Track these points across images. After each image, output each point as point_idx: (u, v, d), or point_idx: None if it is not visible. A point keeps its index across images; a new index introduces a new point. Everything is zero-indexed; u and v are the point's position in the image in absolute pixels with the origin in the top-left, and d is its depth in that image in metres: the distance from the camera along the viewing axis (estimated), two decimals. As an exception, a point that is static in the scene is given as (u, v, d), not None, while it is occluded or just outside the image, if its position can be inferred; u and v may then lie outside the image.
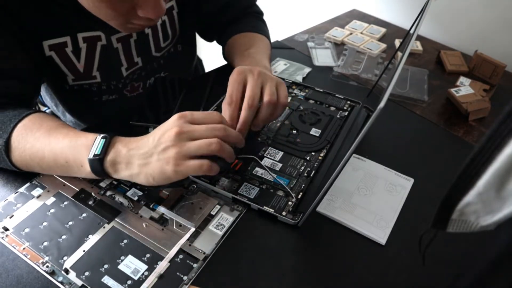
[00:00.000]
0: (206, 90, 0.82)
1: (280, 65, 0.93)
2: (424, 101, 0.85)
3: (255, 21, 0.90)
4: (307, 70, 0.92)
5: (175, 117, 0.55)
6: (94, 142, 0.55)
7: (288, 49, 1.01)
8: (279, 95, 0.64)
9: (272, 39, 1.04)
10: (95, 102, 0.78)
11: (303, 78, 0.90)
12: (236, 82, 0.62)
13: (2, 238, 0.54)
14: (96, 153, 0.54)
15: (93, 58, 0.71)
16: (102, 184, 0.62)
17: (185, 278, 0.52)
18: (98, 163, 0.54)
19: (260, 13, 0.93)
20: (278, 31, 1.13)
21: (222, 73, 0.92)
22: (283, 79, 0.85)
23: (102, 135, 0.56)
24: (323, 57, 0.98)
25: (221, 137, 0.55)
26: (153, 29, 0.77)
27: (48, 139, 0.57)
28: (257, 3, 0.94)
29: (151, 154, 0.53)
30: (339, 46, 1.03)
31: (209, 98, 0.80)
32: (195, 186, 0.63)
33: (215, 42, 0.95)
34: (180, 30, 0.83)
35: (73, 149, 0.56)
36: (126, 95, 0.80)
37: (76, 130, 0.59)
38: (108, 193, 0.61)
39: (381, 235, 0.59)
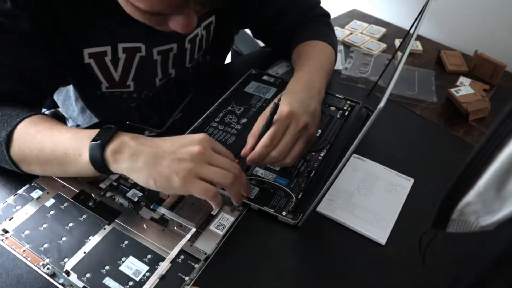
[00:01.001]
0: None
1: (283, 67, 0.92)
2: (434, 103, 0.85)
3: (318, 26, 0.85)
4: None
5: (203, 136, 0.54)
6: (98, 132, 0.54)
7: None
8: (296, 150, 0.61)
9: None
10: (123, 108, 0.78)
11: None
12: (282, 126, 0.59)
13: (2, 240, 0.54)
14: (98, 138, 0.52)
15: (130, 69, 0.72)
16: (102, 185, 0.62)
17: (186, 278, 0.52)
18: (98, 149, 0.51)
19: (325, 15, 0.89)
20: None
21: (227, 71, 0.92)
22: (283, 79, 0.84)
23: (107, 126, 0.54)
24: None
25: (235, 176, 0.54)
26: (192, 44, 0.77)
27: (51, 132, 0.56)
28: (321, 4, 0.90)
29: (163, 157, 0.51)
30: (347, 48, 1.03)
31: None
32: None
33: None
34: (212, 43, 0.83)
35: (74, 140, 0.54)
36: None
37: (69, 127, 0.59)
38: (108, 194, 0.61)
39: (381, 235, 0.59)
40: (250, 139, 0.60)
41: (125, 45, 0.69)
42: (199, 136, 0.54)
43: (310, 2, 0.87)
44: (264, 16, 0.84)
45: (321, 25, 0.86)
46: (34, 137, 0.56)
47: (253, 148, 0.59)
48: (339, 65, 0.95)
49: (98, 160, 0.52)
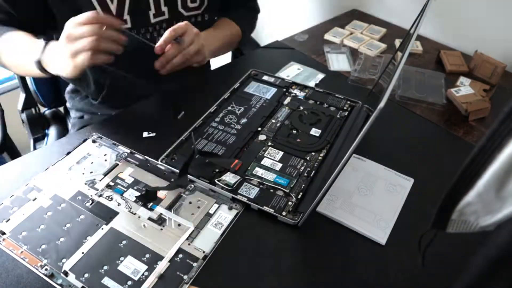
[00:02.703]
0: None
1: (294, 69, 0.92)
2: (443, 105, 0.84)
3: (244, 13, 0.99)
4: (320, 76, 0.91)
5: (69, 20, 0.65)
6: (39, 48, 0.70)
7: (288, 49, 1.00)
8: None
9: (272, 39, 1.04)
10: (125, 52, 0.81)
11: (316, 85, 0.88)
12: (179, 27, 0.73)
13: None
14: (38, 56, 0.70)
15: (124, 1, 0.78)
16: (99, 186, 0.62)
17: (185, 277, 0.52)
18: (38, 63, 0.70)
19: (255, 10, 1.02)
20: (278, 31, 1.13)
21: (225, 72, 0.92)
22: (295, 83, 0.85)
23: (41, 42, 0.71)
24: (338, 62, 0.97)
25: (98, 34, 0.64)
26: None
27: (16, 44, 0.75)
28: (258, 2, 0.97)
29: (59, 52, 0.66)
30: (355, 51, 1.02)
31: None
32: (192, 185, 0.63)
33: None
34: (207, 0, 0.89)
35: (29, 53, 0.71)
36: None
37: (32, 39, 0.74)
38: (105, 194, 0.61)
39: (381, 235, 0.58)
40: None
41: None
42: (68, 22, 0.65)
43: None
44: None
45: (247, 13, 1.01)
46: (12, 46, 0.76)
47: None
48: (347, 67, 0.95)
49: (41, 68, 0.71)
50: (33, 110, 1.04)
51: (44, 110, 1.09)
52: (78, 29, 0.64)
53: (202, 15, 0.89)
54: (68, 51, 0.64)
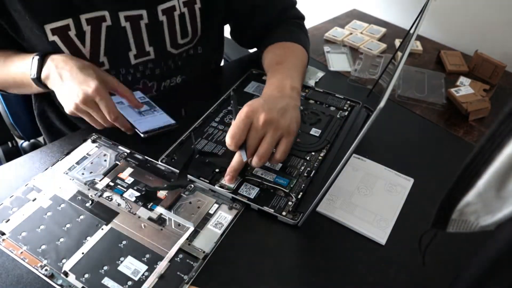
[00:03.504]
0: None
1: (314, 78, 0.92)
2: (443, 105, 0.84)
3: (292, 28, 0.85)
4: (320, 74, 0.91)
5: (96, 83, 0.63)
6: (31, 64, 0.66)
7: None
8: (276, 150, 0.62)
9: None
10: None
11: (316, 83, 0.88)
12: (242, 124, 0.59)
13: None
14: (33, 73, 0.66)
15: (99, 41, 0.70)
16: (99, 186, 0.62)
17: (185, 277, 0.52)
18: (37, 80, 0.67)
19: (299, 17, 0.89)
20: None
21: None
22: None
23: (34, 56, 0.67)
24: (338, 62, 0.96)
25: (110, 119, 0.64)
26: (169, 18, 0.75)
27: (8, 66, 0.71)
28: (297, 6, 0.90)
29: (72, 87, 0.64)
30: (355, 51, 1.02)
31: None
32: (192, 185, 0.63)
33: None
34: (202, 30, 0.81)
35: (22, 72, 0.68)
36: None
37: (21, 56, 0.70)
38: (105, 194, 0.61)
39: (381, 235, 0.58)
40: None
41: (88, 16, 0.68)
42: (95, 82, 0.63)
43: (286, 2, 0.87)
44: (241, 9, 0.83)
45: (294, 27, 0.86)
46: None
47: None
48: (347, 67, 0.94)
49: (42, 85, 0.67)
50: (9, 143, 0.96)
51: (21, 142, 1.02)
52: (97, 100, 0.63)
53: (194, 48, 0.82)
54: (86, 97, 0.62)
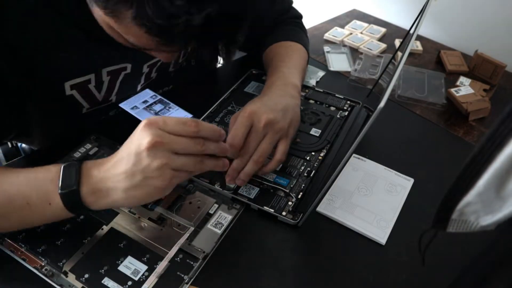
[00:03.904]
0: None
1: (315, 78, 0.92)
2: (443, 105, 0.84)
3: (291, 28, 0.85)
4: (321, 74, 0.91)
5: (142, 126, 0.47)
6: (60, 173, 0.48)
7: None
8: (276, 151, 0.62)
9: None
10: (101, 120, 0.75)
11: (317, 82, 0.88)
12: (242, 127, 0.59)
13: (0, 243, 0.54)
14: (68, 184, 0.47)
15: (114, 87, 0.68)
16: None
17: (185, 277, 0.52)
18: (74, 195, 0.47)
19: (298, 17, 0.89)
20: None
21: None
22: None
23: (65, 164, 0.48)
24: (338, 62, 0.96)
25: (202, 152, 0.49)
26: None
27: (2, 181, 0.50)
28: (294, 5, 0.89)
29: (134, 173, 0.46)
30: (355, 51, 1.02)
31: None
32: (192, 185, 0.63)
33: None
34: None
35: (35, 186, 0.48)
36: None
37: (29, 168, 0.51)
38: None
39: (381, 235, 0.58)
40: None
41: (110, 69, 0.64)
42: (139, 127, 0.47)
43: (284, 5, 0.87)
44: None
45: (293, 27, 0.86)
46: None
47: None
48: (347, 67, 0.94)
49: (77, 205, 0.48)
50: (9, 144, 0.90)
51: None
52: (173, 138, 0.46)
53: (188, 61, 0.81)
54: (168, 171, 0.46)
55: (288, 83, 0.69)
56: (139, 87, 0.75)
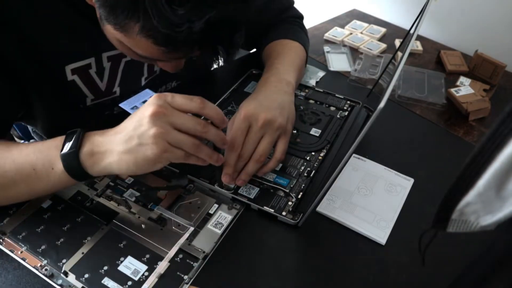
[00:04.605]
0: None
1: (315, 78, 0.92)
2: (443, 105, 0.84)
3: (290, 27, 0.85)
4: (321, 74, 0.91)
5: (154, 96, 0.50)
6: (64, 139, 0.51)
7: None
8: (275, 150, 0.62)
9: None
10: (106, 116, 0.73)
11: (316, 82, 0.88)
12: (240, 130, 0.59)
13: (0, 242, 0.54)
14: (68, 146, 0.50)
15: (116, 75, 0.68)
16: (99, 186, 0.62)
17: (185, 277, 0.52)
18: (73, 157, 0.49)
19: (298, 17, 0.89)
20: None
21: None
22: None
23: (68, 132, 0.52)
24: (338, 62, 0.96)
25: (201, 133, 0.50)
26: None
27: (8, 153, 0.53)
28: (295, 5, 0.89)
29: (131, 138, 0.48)
30: (355, 51, 1.02)
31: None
32: (192, 185, 0.63)
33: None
34: None
35: (40, 154, 0.52)
36: None
37: (30, 144, 0.54)
38: (105, 194, 0.61)
39: (381, 235, 0.58)
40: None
41: (110, 53, 0.64)
42: (151, 98, 0.50)
43: (284, 3, 0.87)
44: None
45: (293, 26, 0.86)
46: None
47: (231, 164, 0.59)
48: (347, 67, 0.94)
49: (76, 167, 0.50)
50: None
51: (21, 142, 0.97)
52: (177, 112, 0.49)
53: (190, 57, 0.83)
54: (155, 136, 0.47)
55: (282, 79, 0.69)
56: (143, 81, 0.75)
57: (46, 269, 0.51)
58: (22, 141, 0.99)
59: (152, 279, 0.51)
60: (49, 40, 0.58)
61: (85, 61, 0.63)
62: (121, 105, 0.61)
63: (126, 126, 0.50)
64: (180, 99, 0.50)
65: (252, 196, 0.61)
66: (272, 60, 0.75)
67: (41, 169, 0.51)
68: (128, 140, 0.49)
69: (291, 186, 0.63)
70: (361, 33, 1.08)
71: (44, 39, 0.58)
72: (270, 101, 0.63)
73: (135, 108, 0.62)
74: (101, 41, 0.60)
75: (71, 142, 0.50)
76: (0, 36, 0.55)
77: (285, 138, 0.63)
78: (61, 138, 0.52)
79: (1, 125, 0.61)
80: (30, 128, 0.85)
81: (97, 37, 0.59)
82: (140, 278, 0.51)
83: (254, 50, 0.97)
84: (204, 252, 0.55)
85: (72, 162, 0.50)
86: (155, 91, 0.81)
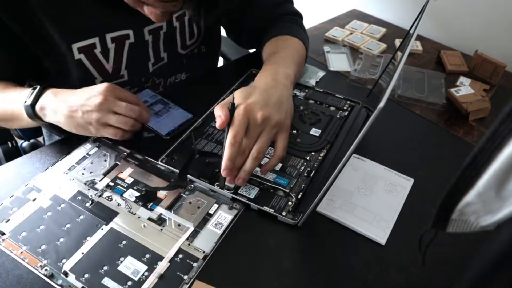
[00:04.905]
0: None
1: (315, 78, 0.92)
2: (443, 105, 0.84)
3: (288, 24, 0.85)
4: (321, 74, 0.91)
5: (104, 87, 0.63)
6: (30, 92, 0.65)
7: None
8: (275, 147, 0.62)
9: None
10: None
11: (316, 82, 0.88)
12: (241, 125, 0.58)
13: None
14: (28, 101, 0.64)
15: (122, 57, 0.73)
16: (99, 186, 0.62)
17: (185, 277, 0.52)
18: (29, 109, 0.64)
19: (295, 14, 0.89)
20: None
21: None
22: None
23: (35, 86, 0.66)
24: (338, 62, 0.96)
25: (135, 117, 0.64)
26: (180, 24, 0.78)
27: (1, 96, 0.69)
28: (294, 6, 0.89)
29: (76, 109, 0.62)
30: (355, 51, 1.02)
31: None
32: (192, 185, 0.63)
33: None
34: (204, 30, 0.83)
35: (16, 103, 0.66)
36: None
37: (20, 88, 0.69)
38: (105, 194, 0.61)
39: (381, 235, 0.58)
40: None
41: (113, 35, 0.70)
42: (101, 87, 0.63)
43: None
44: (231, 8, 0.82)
45: (292, 24, 0.86)
46: None
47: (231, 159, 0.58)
48: (347, 67, 0.94)
49: (32, 116, 0.65)
50: (9, 143, 0.96)
51: (21, 142, 1.02)
52: (119, 103, 0.63)
53: (198, 48, 0.84)
54: (96, 117, 0.62)
55: (280, 72, 0.69)
56: (151, 67, 0.77)
57: (46, 269, 0.51)
58: (22, 140, 1.00)
59: (152, 279, 0.51)
60: (57, 17, 0.65)
61: (89, 40, 0.69)
62: None
63: (75, 99, 0.63)
64: (124, 94, 0.65)
65: (252, 196, 0.61)
66: (272, 54, 0.76)
67: (17, 113, 0.66)
68: (73, 110, 0.62)
69: (291, 186, 0.63)
70: (361, 33, 1.08)
71: (52, 17, 0.65)
72: (268, 96, 0.62)
73: None
74: (105, 21, 0.68)
75: (32, 96, 0.64)
76: (5, 10, 0.63)
77: (284, 134, 0.62)
78: (30, 90, 0.65)
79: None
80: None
81: (101, 17, 0.67)
82: (140, 278, 0.51)
83: (254, 50, 0.97)
84: (204, 252, 0.55)
85: (30, 112, 0.65)
86: (165, 81, 0.82)
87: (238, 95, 0.61)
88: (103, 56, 0.71)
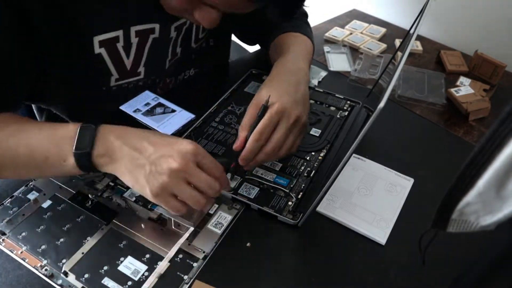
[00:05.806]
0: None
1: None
2: (443, 105, 0.84)
3: (295, 22, 0.84)
4: (323, 74, 0.91)
5: (189, 149, 0.50)
6: (77, 134, 0.51)
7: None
8: (292, 144, 0.62)
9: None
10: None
11: (319, 82, 0.88)
12: (271, 124, 0.58)
13: None
14: (82, 145, 0.50)
15: (143, 53, 0.67)
16: (99, 186, 0.62)
17: (185, 277, 0.52)
18: (85, 157, 0.50)
19: (304, 14, 0.89)
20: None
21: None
22: None
23: (83, 125, 0.52)
24: (338, 62, 0.96)
25: (210, 196, 0.52)
26: None
27: (25, 134, 0.53)
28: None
29: (143, 165, 0.50)
30: (355, 51, 1.02)
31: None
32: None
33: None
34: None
35: (53, 145, 0.52)
36: (157, 92, 0.72)
37: (51, 123, 0.55)
38: (105, 194, 0.61)
39: (381, 235, 0.58)
40: (241, 132, 0.60)
41: (138, 28, 0.63)
42: (186, 148, 0.50)
43: None
44: None
45: (300, 22, 0.86)
46: (5, 142, 0.53)
47: (244, 141, 0.59)
48: (347, 67, 0.95)
49: (87, 166, 0.51)
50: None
51: None
52: (199, 174, 0.50)
53: (206, 41, 0.81)
54: (164, 183, 0.49)
55: (300, 68, 0.70)
56: (167, 64, 0.74)
57: (46, 269, 0.51)
58: None
59: (152, 279, 0.51)
60: (82, 6, 0.57)
61: (113, 33, 0.61)
62: (122, 107, 0.60)
63: (146, 150, 0.51)
64: (209, 162, 0.52)
65: (252, 196, 0.61)
66: (285, 50, 0.75)
67: (53, 159, 0.52)
68: (139, 165, 0.50)
69: (291, 186, 0.63)
70: (361, 33, 1.08)
71: (77, 5, 0.56)
72: (295, 92, 0.63)
73: (137, 111, 0.62)
74: (132, 13, 0.61)
75: (85, 141, 0.51)
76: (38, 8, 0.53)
77: (304, 133, 0.64)
78: (75, 129, 0.51)
79: (11, 95, 0.58)
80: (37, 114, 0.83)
81: (127, 9, 0.59)
82: (140, 278, 0.51)
83: (254, 50, 0.97)
84: (204, 252, 0.55)
85: (84, 161, 0.51)
86: (175, 79, 0.80)
87: (273, 93, 0.61)
88: (124, 51, 0.64)
